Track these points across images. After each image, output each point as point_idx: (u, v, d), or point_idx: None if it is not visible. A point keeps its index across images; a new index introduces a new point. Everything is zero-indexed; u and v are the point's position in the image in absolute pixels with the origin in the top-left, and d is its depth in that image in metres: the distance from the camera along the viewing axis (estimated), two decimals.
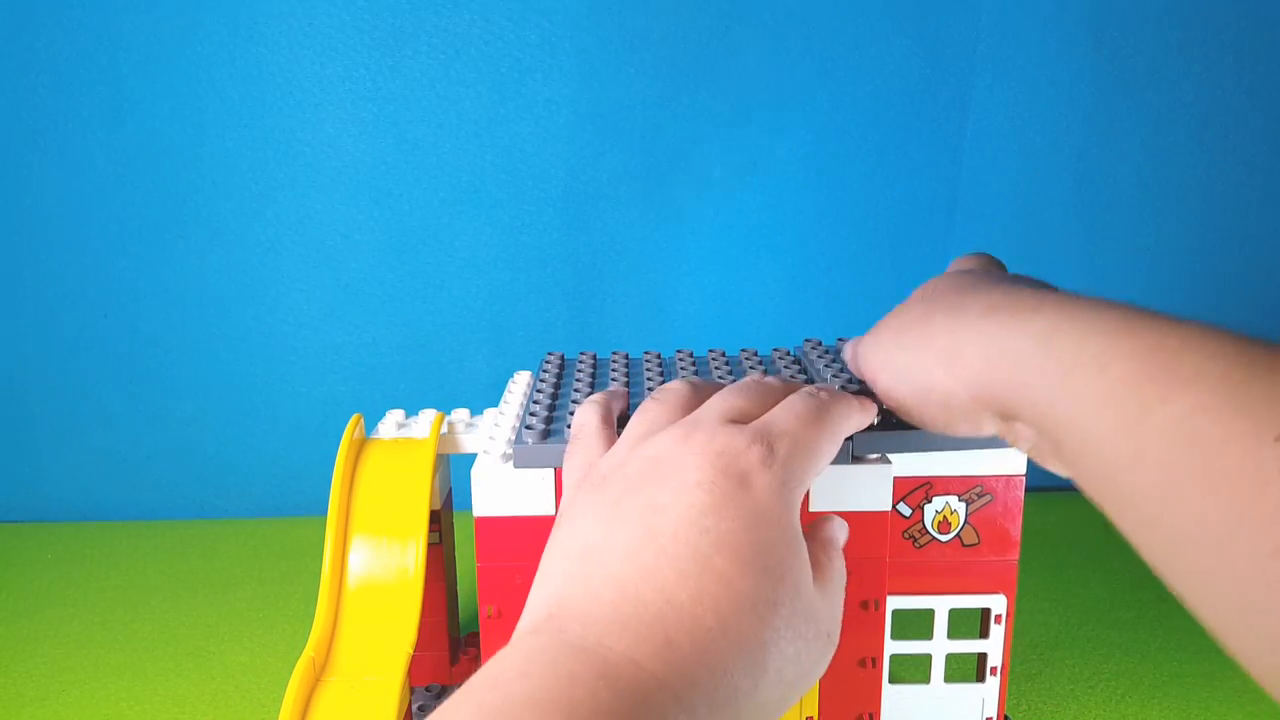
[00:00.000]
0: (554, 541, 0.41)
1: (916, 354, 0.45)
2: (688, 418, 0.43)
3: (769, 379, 0.49)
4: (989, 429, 0.44)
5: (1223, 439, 0.32)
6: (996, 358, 0.41)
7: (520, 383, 0.69)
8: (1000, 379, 0.41)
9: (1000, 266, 0.53)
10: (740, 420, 0.43)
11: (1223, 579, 0.32)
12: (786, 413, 0.43)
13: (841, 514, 0.54)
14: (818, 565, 0.41)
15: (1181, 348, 0.35)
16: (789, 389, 0.46)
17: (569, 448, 0.48)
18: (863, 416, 0.48)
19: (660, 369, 0.66)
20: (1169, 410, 0.33)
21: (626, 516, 0.38)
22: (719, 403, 0.44)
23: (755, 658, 0.36)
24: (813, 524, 0.44)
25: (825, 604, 0.40)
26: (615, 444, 0.45)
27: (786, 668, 0.37)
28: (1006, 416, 0.42)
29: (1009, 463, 0.55)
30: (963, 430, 0.45)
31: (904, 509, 0.56)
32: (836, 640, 0.40)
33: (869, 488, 0.54)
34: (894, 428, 0.53)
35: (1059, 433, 0.38)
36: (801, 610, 0.38)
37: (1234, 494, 0.31)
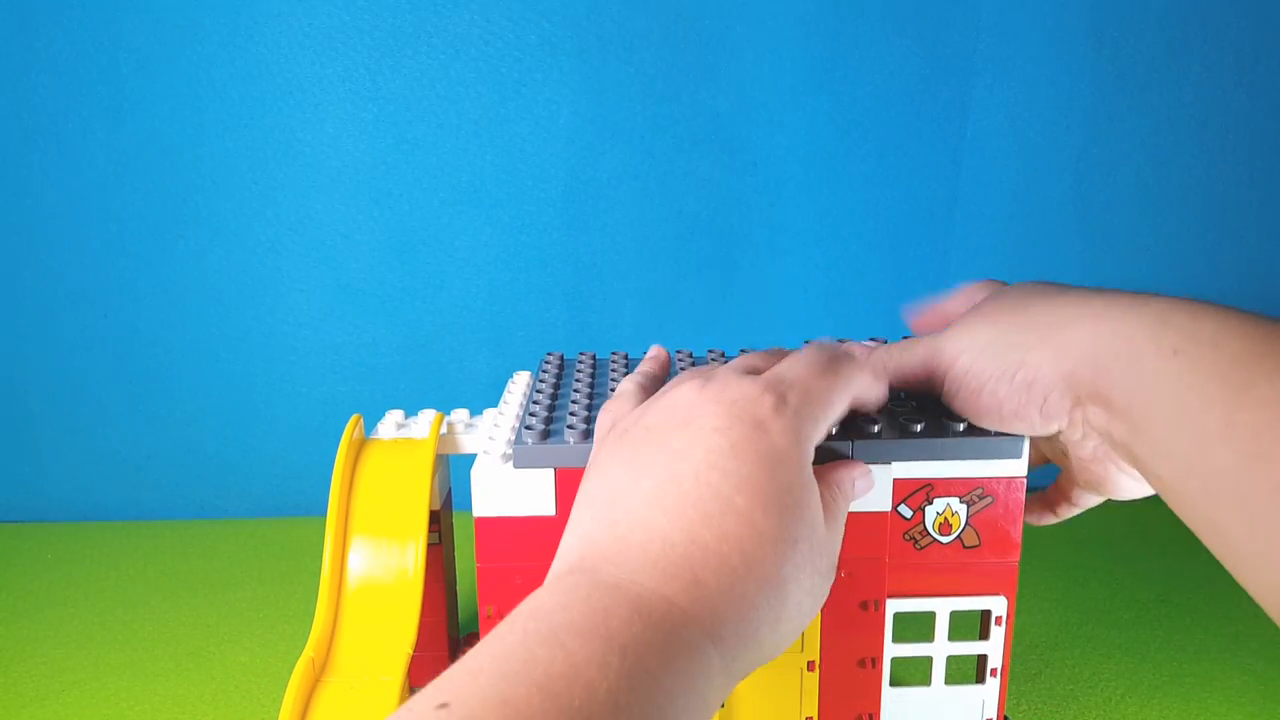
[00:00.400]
0: (582, 491, 0.43)
1: (1013, 331, 0.47)
2: (705, 372, 0.45)
3: (784, 348, 0.51)
4: (1058, 417, 0.46)
5: None
6: (1106, 333, 0.43)
7: (520, 383, 0.69)
8: (1104, 354, 0.42)
9: None
10: (752, 372, 0.45)
11: None
12: (796, 363, 0.45)
13: None
14: (825, 504, 0.43)
15: None
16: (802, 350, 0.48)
17: (605, 405, 0.49)
18: (874, 384, 0.49)
19: None
20: (1272, 387, 0.36)
21: (649, 463, 0.40)
22: (735, 361, 0.47)
23: (778, 592, 0.38)
24: (824, 467, 0.46)
25: (832, 541, 0.42)
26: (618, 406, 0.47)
27: (804, 600, 0.39)
28: (1086, 399, 0.44)
29: (1010, 465, 0.55)
30: (1028, 415, 0.47)
31: (905, 511, 0.56)
32: (835, 574, 0.42)
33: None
34: (895, 435, 0.53)
35: (1151, 409, 0.40)
36: (817, 546, 0.40)
37: None
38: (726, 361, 0.68)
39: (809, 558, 0.39)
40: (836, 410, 0.44)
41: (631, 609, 0.35)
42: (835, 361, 0.45)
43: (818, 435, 0.43)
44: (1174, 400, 0.39)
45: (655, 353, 0.58)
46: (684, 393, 0.43)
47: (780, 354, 0.48)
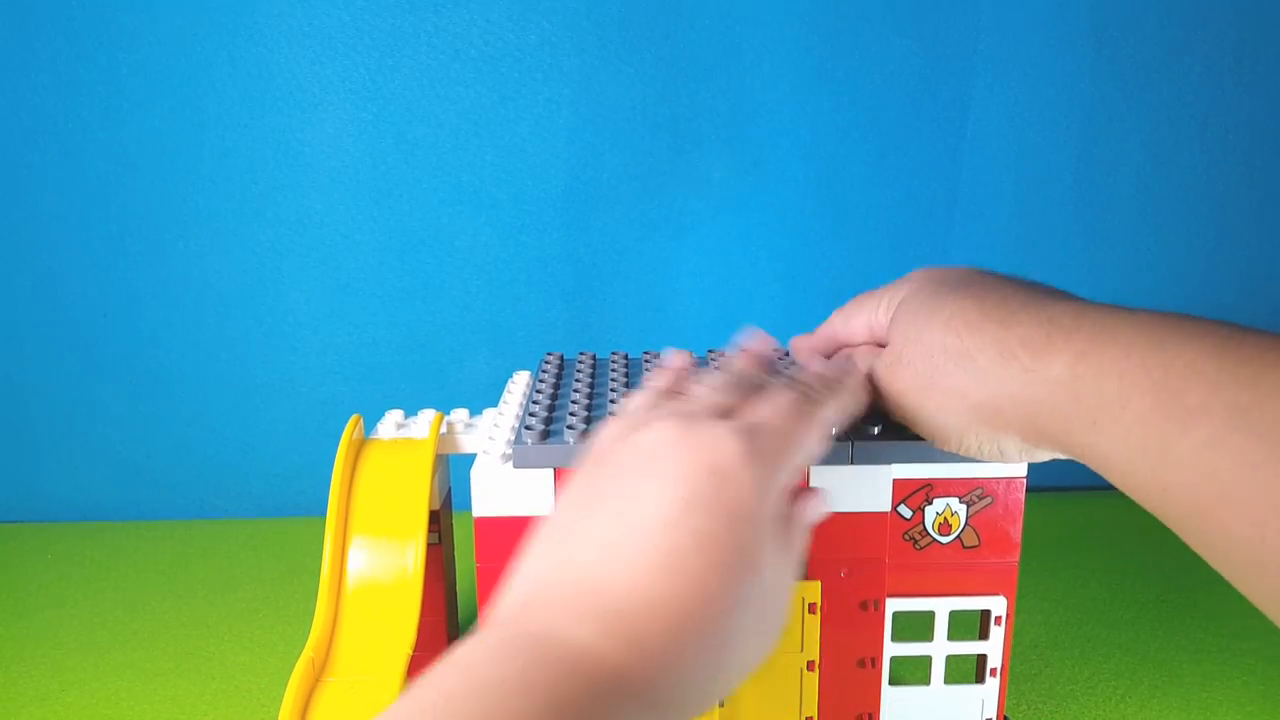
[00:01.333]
0: (545, 521, 0.42)
1: (954, 416, 0.46)
2: (674, 408, 0.44)
3: (757, 373, 0.49)
4: (1045, 457, 0.46)
5: (1236, 466, 0.34)
6: (1033, 407, 0.42)
7: (519, 383, 0.69)
8: (1043, 423, 0.42)
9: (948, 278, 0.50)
10: (726, 414, 0.43)
11: (1270, 589, 0.34)
12: (770, 406, 0.43)
13: (841, 515, 0.54)
14: (780, 539, 0.41)
15: (1187, 375, 0.36)
16: (776, 384, 0.47)
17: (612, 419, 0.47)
18: (854, 400, 0.49)
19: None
20: (1183, 446, 0.35)
21: (606, 506, 0.39)
22: (706, 395, 0.45)
23: (720, 655, 0.36)
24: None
25: (783, 592, 0.41)
26: (612, 424, 0.45)
27: (748, 658, 0.38)
28: (1060, 452, 0.44)
29: (1010, 465, 0.55)
30: (1023, 459, 0.47)
31: (905, 511, 0.56)
32: (786, 621, 0.41)
33: (868, 489, 0.54)
34: (895, 437, 0.53)
35: (1102, 469, 0.40)
36: (769, 607, 0.39)
37: (1257, 518, 0.33)
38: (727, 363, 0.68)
39: (758, 620, 0.38)
40: (807, 455, 0.43)
41: (565, 668, 0.33)
42: (811, 404, 0.45)
43: (786, 480, 0.42)
44: (1114, 465, 0.39)
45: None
46: (653, 434, 0.41)
47: (751, 384, 0.46)
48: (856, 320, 0.55)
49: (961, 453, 0.48)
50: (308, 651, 0.54)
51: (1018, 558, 0.57)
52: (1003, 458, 0.47)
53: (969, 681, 0.59)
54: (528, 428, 0.55)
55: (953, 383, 0.45)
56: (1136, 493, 0.39)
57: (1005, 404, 0.43)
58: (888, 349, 0.50)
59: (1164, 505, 0.37)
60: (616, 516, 0.38)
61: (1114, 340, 0.39)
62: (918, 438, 0.52)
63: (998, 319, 0.44)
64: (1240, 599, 0.37)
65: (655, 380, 0.50)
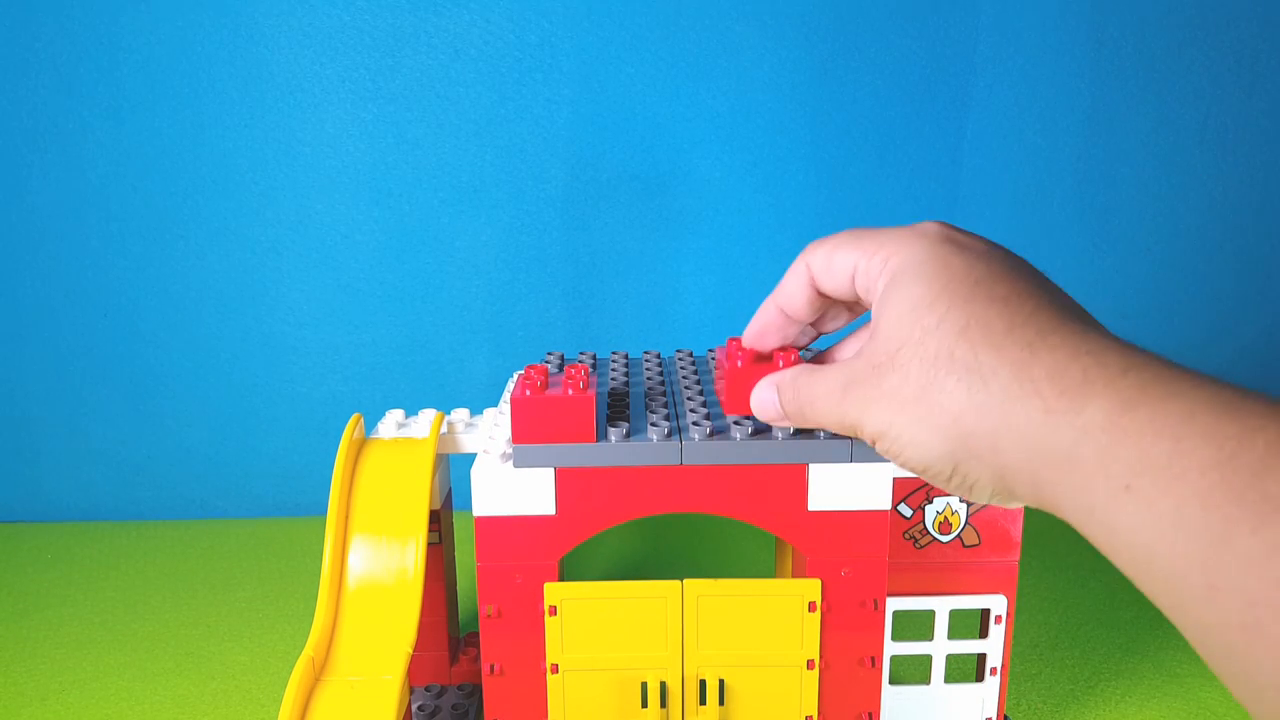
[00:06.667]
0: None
1: (937, 439, 0.39)
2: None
3: None
4: (1016, 505, 0.41)
5: None
6: (1044, 454, 0.35)
7: None
8: (1049, 476, 0.35)
9: (980, 250, 0.43)
10: None
11: None
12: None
13: (841, 514, 0.54)
14: None
15: (1269, 454, 0.29)
16: None
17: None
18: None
19: (660, 369, 0.66)
20: (1258, 540, 0.29)
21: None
22: None
23: None
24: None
25: None
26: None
27: None
28: (1037, 505, 0.38)
29: None
30: (992, 504, 0.41)
31: (905, 510, 0.56)
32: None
33: (869, 487, 0.54)
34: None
35: (1115, 550, 0.34)
36: None
37: None
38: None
39: None
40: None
41: None
42: None
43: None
44: (1141, 545, 0.32)
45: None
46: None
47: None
48: (841, 260, 0.46)
49: (924, 478, 0.41)
50: (308, 651, 0.54)
51: (1018, 557, 0.57)
52: (969, 495, 0.40)
53: (969, 680, 0.59)
54: None
55: (949, 401, 0.38)
56: (1166, 585, 0.31)
57: (1007, 443, 0.36)
58: (873, 343, 0.42)
59: (1204, 610, 0.30)
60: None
61: (1173, 395, 0.32)
62: None
63: (1024, 339, 0.37)
64: None
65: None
